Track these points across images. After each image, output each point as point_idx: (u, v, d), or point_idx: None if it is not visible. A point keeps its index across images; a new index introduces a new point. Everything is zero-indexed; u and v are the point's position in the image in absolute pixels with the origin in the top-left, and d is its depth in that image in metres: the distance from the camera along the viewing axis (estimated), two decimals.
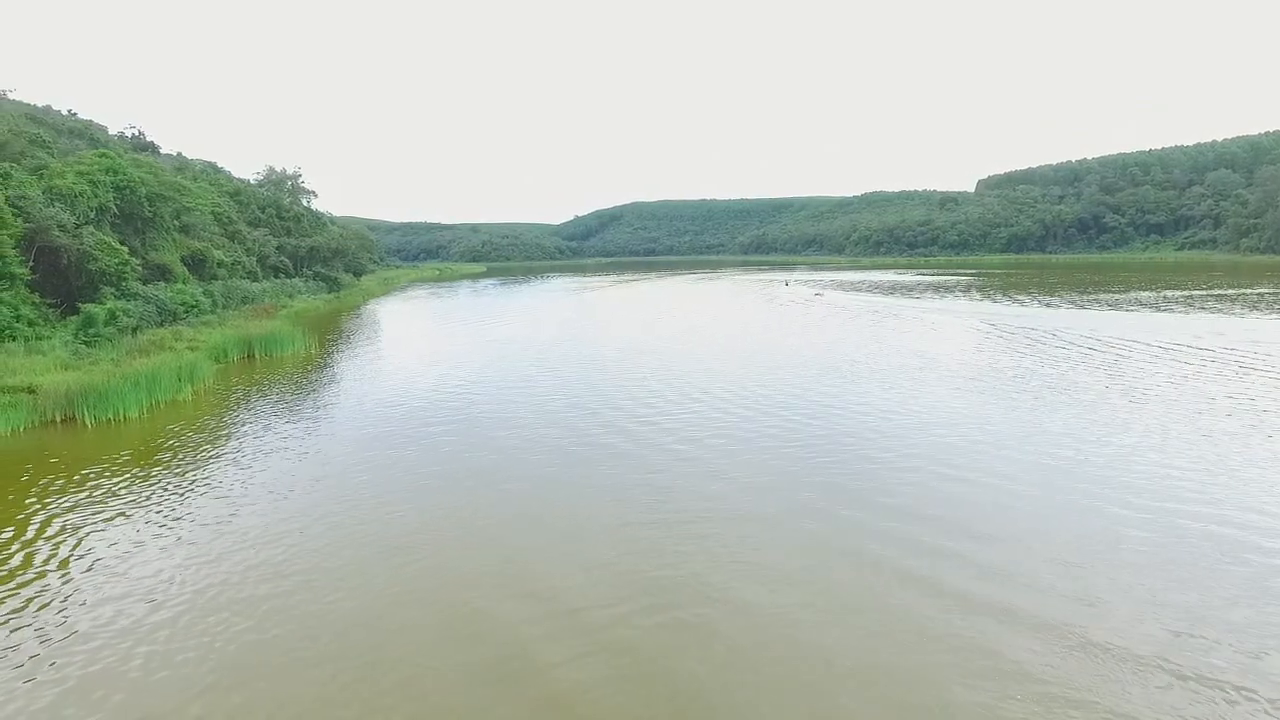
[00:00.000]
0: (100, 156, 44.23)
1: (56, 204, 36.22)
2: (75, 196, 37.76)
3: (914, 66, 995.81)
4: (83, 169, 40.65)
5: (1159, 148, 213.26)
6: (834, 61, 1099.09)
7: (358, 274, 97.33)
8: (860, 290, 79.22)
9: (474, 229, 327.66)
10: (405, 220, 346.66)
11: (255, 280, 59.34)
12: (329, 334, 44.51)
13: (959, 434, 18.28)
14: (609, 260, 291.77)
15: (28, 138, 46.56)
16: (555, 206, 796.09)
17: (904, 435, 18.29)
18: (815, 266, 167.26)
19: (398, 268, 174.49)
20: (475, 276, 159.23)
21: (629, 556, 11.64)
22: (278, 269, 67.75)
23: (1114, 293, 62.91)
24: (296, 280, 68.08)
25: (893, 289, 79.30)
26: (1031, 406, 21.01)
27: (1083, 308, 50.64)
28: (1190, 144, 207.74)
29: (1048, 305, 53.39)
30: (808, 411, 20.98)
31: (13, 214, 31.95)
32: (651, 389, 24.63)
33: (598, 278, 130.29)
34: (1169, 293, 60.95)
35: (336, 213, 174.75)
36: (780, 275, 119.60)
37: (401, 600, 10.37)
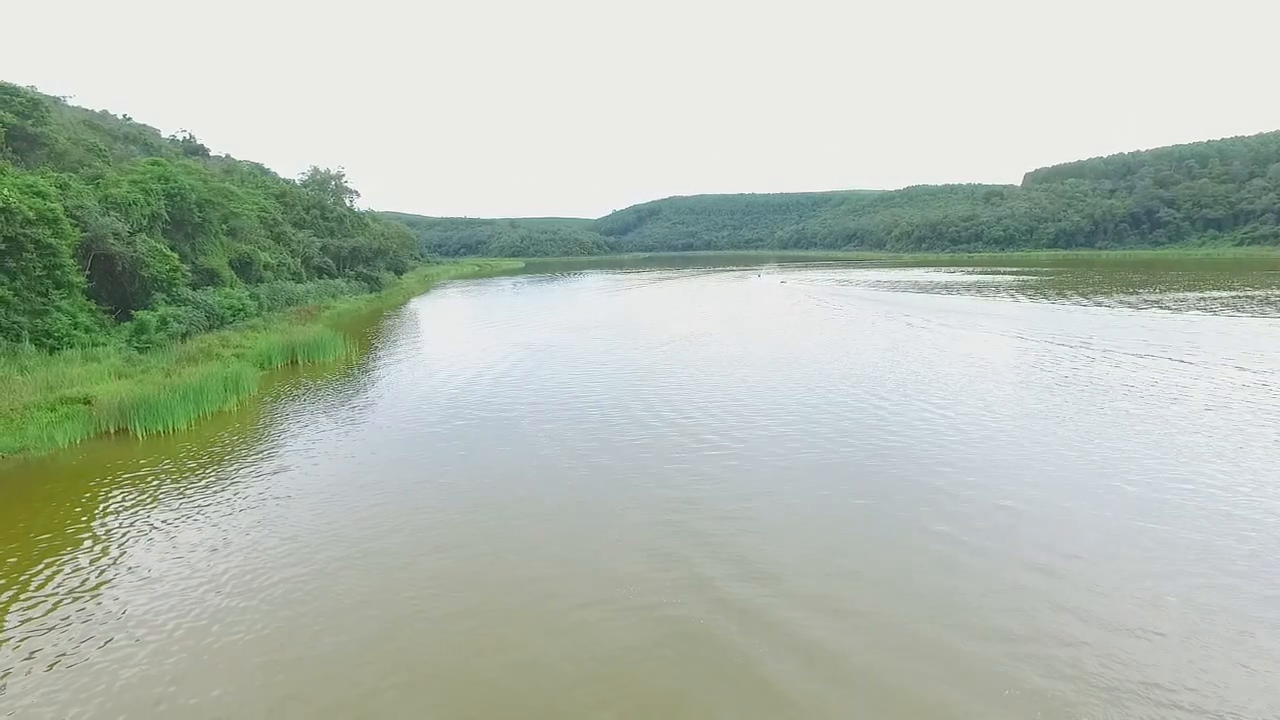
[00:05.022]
0: (153, 164, 45.76)
1: (112, 213, 37.59)
2: (129, 205, 39.15)
3: (960, 57, 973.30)
4: (136, 177, 42.12)
5: (1217, 138, 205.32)
6: (877, 52, 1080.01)
7: (399, 272, 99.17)
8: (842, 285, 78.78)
9: (512, 224, 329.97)
10: (445, 215, 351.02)
11: (299, 281, 60.81)
12: (369, 337, 45.49)
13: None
14: (646, 255, 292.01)
15: (85, 146, 48.37)
16: (593, 201, 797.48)
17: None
18: (851, 264, 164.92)
19: (438, 264, 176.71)
20: (513, 273, 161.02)
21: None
22: (321, 269, 69.31)
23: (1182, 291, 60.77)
24: (339, 281, 69.58)
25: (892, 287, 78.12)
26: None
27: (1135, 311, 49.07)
28: (1251, 134, 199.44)
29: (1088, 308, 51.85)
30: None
31: (71, 224, 33.27)
32: (677, 392, 24.87)
33: (632, 276, 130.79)
34: (1215, 294, 58.62)
35: (377, 209, 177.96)
36: (789, 274, 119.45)
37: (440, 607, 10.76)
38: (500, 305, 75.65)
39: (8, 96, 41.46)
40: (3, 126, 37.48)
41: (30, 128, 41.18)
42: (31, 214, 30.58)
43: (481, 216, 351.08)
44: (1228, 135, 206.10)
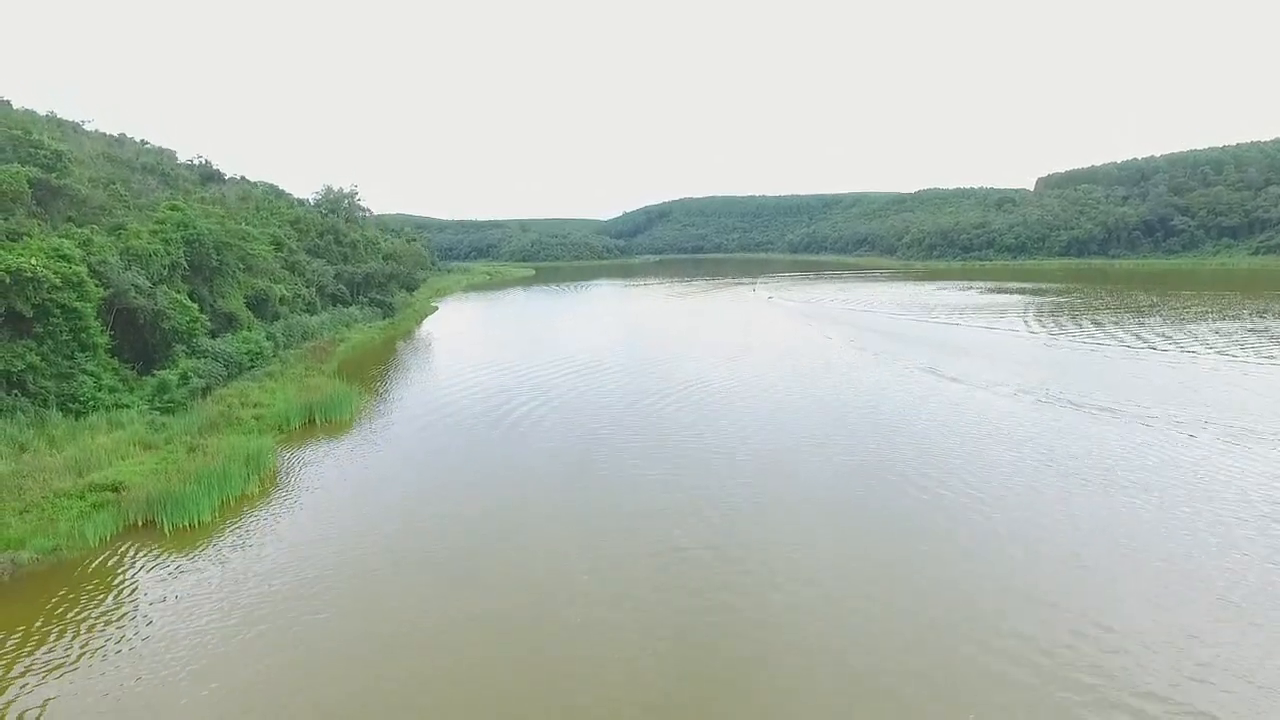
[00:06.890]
0: (171, 209, 46.58)
1: (133, 266, 38.40)
2: (149, 256, 39.96)
3: (971, 57, 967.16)
4: (155, 226, 42.94)
5: (1232, 144, 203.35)
6: (888, 52, 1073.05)
7: (411, 289, 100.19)
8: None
9: (523, 227, 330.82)
10: (455, 218, 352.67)
11: (313, 313, 61.69)
12: (381, 380, 46.17)
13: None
14: (656, 259, 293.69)
15: (106, 190, 49.29)
16: (603, 201, 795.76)
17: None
18: (860, 272, 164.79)
19: (449, 272, 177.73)
20: (525, 281, 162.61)
21: None
22: (335, 297, 70.21)
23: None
24: (353, 308, 70.40)
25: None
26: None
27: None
28: (1268, 139, 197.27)
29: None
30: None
31: (94, 283, 34.04)
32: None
33: (641, 287, 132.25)
34: (1221, 325, 58.29)
35: (388, 211, 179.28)
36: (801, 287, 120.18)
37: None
38: (510, 329, 76.87)
39: (34, 149, 42.41)
40: (29, 184, 38.33)
41: (54, 180, 42.07)
42: (57, 280, 31.39)
43: (492, 218, 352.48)
44: (1243, 141, 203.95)
